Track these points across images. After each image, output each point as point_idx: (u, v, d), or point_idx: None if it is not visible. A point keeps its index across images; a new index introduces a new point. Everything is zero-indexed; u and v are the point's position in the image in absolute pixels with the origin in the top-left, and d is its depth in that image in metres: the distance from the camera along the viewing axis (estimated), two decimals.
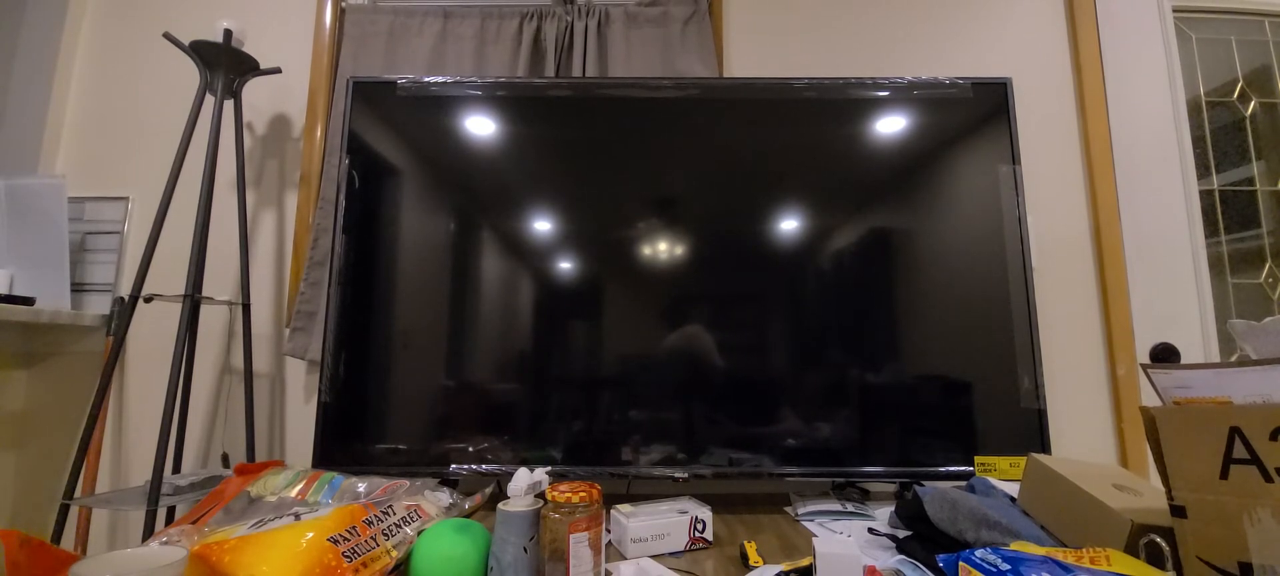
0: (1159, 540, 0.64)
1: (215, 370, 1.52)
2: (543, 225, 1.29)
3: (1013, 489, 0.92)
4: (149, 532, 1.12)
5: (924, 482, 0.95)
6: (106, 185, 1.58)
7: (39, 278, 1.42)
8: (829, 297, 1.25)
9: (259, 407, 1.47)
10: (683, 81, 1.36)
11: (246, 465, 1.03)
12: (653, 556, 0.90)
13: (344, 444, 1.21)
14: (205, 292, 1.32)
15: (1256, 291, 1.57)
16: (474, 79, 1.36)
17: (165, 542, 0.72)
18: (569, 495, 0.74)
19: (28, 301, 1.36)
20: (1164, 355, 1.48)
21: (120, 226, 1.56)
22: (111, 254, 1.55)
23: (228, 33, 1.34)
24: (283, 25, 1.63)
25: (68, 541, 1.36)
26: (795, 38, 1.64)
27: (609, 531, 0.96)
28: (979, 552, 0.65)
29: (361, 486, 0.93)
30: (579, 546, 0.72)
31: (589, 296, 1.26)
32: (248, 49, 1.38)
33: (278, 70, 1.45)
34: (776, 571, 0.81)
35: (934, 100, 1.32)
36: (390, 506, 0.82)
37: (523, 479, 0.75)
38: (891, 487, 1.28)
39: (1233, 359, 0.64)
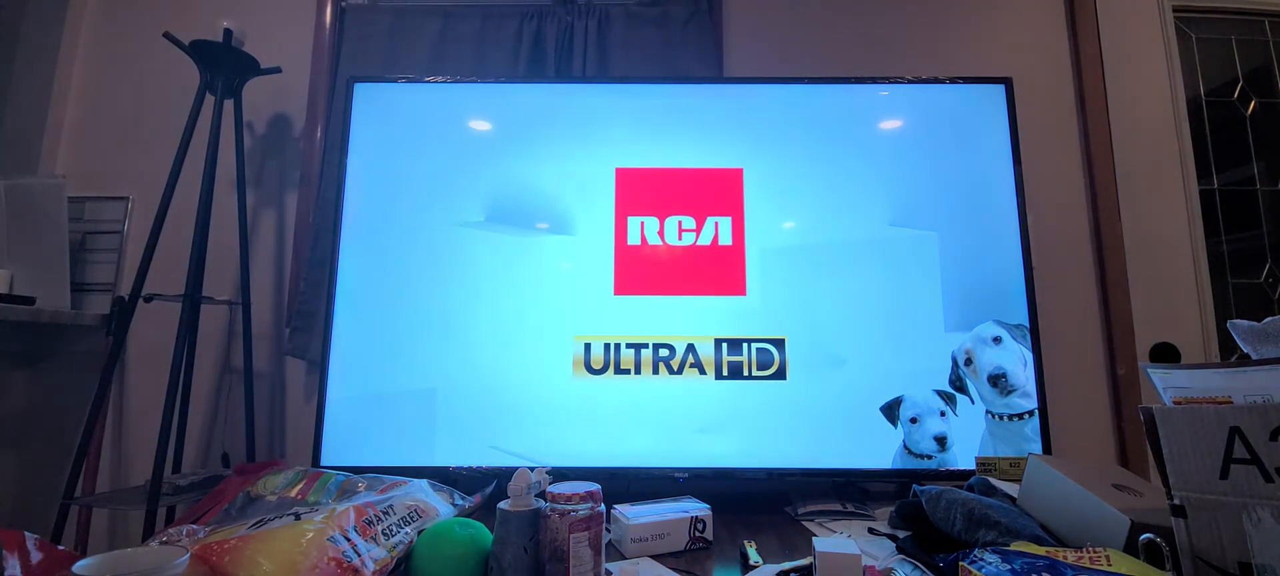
0: (1159, 540, 0.64)
1: (215, 370, 1.52)
2: (543, 224, 1.29)
3: (1013, 489, 0.92)
4: (149, 532, 1.12)
5: (924, 482, 0.95)
6: (106, 185, 1.58)
7: (39, 278, 1.42)
8: (828, 296, 1.25)
9: (259, 407, 1.47)
10: (683, 80, 1.36)
11: (246, 465, 1.03)
12: (653, 556, 0.90)
13: (344, 444, 1.21)
14: (205, 292, 1.32)
15: (1256, 291, 1.57)
16: (474, 79, 1.37)
17: (165, 542, 0.72)
18: (569, 495, 0.74)
19: (28, 301, 1.36)
20: (1164, 355, 1.48)
21: (120, 226, 1.56)
22: (111, 254, 1.55)
23: (228, 33, 1.34)
24: (283, 25, 1.63)
25: (68, 541, 1.36)
26: (795, 37, 1.64)
27: (609, 531, 0.96)
28: (979, 552, 0.65)
29: (361, 486, 0.93)
30: (579, 546, 0.72)
31: (590, 295, 1.26)
32: (248, 49, 1.38)
33: (278, 70, 1.45)
34: (776, 571, 0.81)
35: (934, 99, 1.32)
36: (390, 506, 0.82)
37: (523, 479, 0.75)
38: (891, 487, 1.28)
39: (1233, 359, 0.64)
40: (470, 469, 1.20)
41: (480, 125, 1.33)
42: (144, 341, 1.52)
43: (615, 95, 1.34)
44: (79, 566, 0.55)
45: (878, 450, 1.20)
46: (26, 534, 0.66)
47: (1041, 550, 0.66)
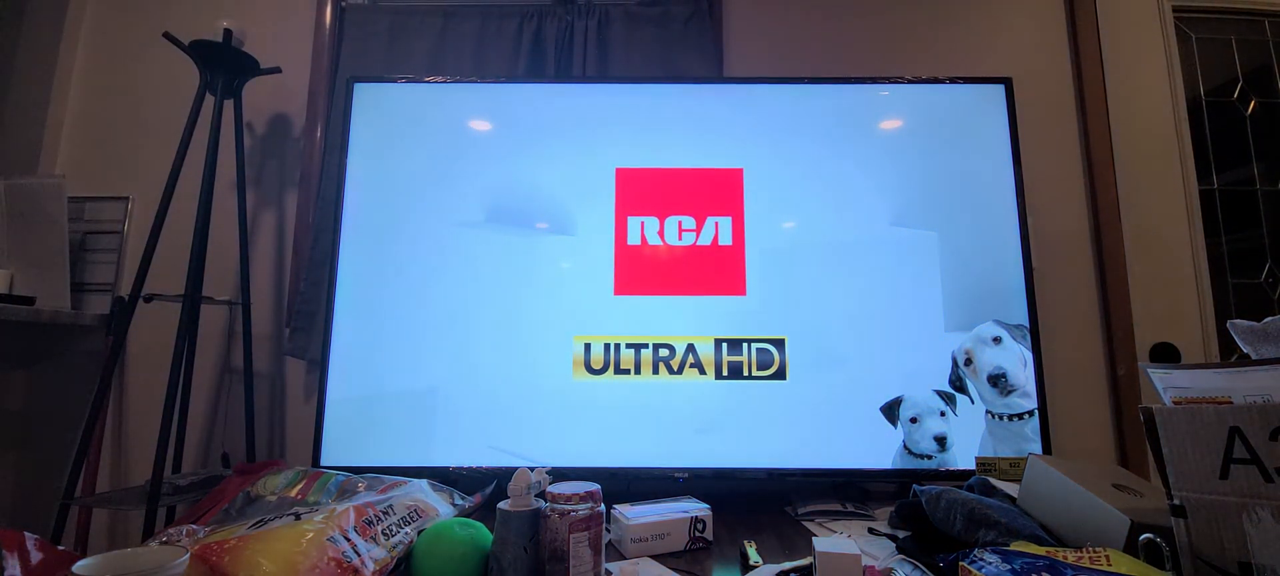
0: (1159, 540, 0.64)
1: (215, 370, 1.52)
2: (543, 224, 1.29)
3: (1013, 489, 0.92)
4: (149, 532, 1.12)
5: (924, 482, 0.95)
6: (106, 185, 1.58)
7: (39, 278, 1.42)
8: (828, 296, 1.25)
9: (259, 407, 1.47)
10: (683, 80, 1.36)
11: (246, 465, 1.03)
12: (653, 556, 0.90)
13: (344, 444, 1.21)
14: (205, 292, 1.32)
15: (1256, 291, 1.57)
16: (474, 79, 1.37)
17: (165, 542, 0.72)
18: (569, 495, 0.74)
19: (28, 301, 1.36)
20: (1164, 355, 1.48)
21: (120, 226, 1.56)
22: (111, 254, 1.55)
23: (228, 33, 1.34)
24: (283, 25, 1.63)
25: (68, 541, 1.36)
26: (795, 37, 1.64)
27: (609, 531, 0.96)
28: (979, 552, 0.65)
29: (361, 486, 0.93)
30: (579, 546, 0.72)
31: (590, 295, 1.26)
32: (247, 49, 1.38)
33: (278, 70, 1.45)
34: (776, 571, 0.81)
35: (934, 99, 1.32)
36: (390, 506, 0.82)
37: (523, 479, 0.75)
38: (891, 487, 1.28)
39: (1233, 359, 0.64)
40: (470, 469, 1.20)
41: (480, 125, 1.33)
42: (144, 341, 1.52)
43: (615, 95, 1.34)
44: (79, 566, 0.55)
45: (878, 450, 1.20)
46: (26, 534, 0.66)
47: (1041, 550, 0.66)
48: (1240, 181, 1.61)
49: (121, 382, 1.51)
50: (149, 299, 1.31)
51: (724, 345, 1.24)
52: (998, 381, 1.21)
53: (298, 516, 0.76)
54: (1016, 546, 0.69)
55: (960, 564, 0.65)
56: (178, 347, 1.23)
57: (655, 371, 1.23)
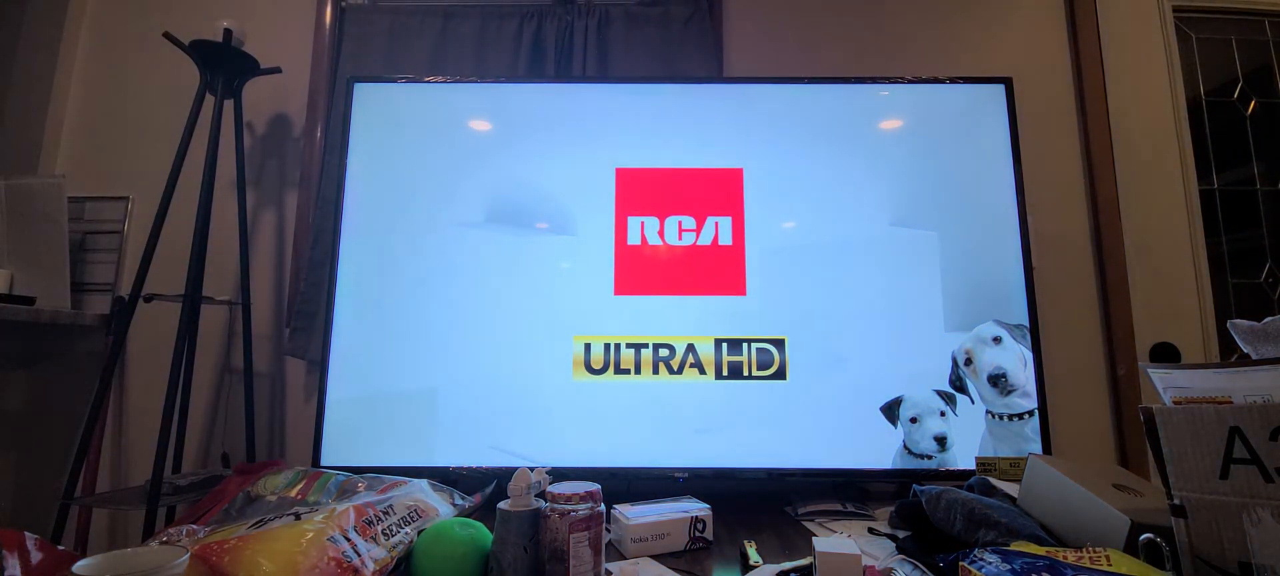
0: (1159, 540, 0.64)
1: (215, 370, 1.52)
2: (543, 224, 1.29)
3: (1013, 489, 0.92)
4: (149, 532, 1.12)
5: (924, 482, 0.95)
6: (106, 185, 1.58)
7: (39, 277, 1.42)
8: (828, 296, 1.25)
9: (259, 407, 1.47)
10: (683, 80, 1.36)
11: (246, 465, 1.03)
12: (653, 556, 0.90)
13: (344, 444, 1.21)
14: (205, 292, 1.32)
15: (1256, 291, 1.57)
16: (474, 79, 1.37)
17: (165, 542, 0.72)
18: (569, 495, 0.74)
19: (28, 301, 1.36)
20: (1164, 355, 1.48)
21: (120, 226, 1.56)
22: (111, 254, 1.55)
23: (228, 32, 1.34)
24: (283, 25, 1.63)
25: (68, 541, 1.36)
26: (796, 37, 1.64)
27: (609, 531, 0.96)
28: (979, 552, 0.65)
29: (361, 486, 0.93)
30: (579, 546, 0.72)
31: (590, 295, 1.26)
32: (248, 49, 1.38)
33: (278, 70, 1.45)
34: (776, 571, 0.81)
35: (934, 99, 1.32)
36: (390, 506, 0.82)
37: (523, 479, 0.75)
38: (891, 487, 1.28)
39: (1233, 359, 0.64)
40: (470, 469, 1.20)
41: (480, 125, 1.33)
42: (144, 341, 1.52)
43: (615, 95, 1.34)
44: (79, 566, 0.55)
45: (878, 450, 1.20)
46: (26, 534, 0.66)
47: (1041, 550, 0.66)
48: (1240, 181, 1.61)
49: (121, 382, 1.51)
50: (149, 299, 1.31)
51: (724, 345, 1.24)
52: (998, 381, 1.21)
53: (298, 516, 0.76)
54: (1016, 546, 0.69)
55: (960, 564, 0.65)
56: (178, 347, 1.23)
57: (655, 371, 1.23)
